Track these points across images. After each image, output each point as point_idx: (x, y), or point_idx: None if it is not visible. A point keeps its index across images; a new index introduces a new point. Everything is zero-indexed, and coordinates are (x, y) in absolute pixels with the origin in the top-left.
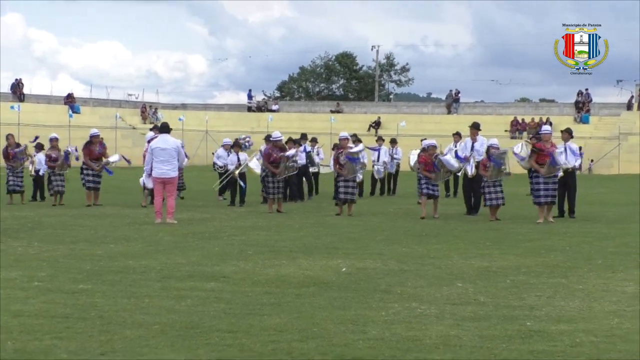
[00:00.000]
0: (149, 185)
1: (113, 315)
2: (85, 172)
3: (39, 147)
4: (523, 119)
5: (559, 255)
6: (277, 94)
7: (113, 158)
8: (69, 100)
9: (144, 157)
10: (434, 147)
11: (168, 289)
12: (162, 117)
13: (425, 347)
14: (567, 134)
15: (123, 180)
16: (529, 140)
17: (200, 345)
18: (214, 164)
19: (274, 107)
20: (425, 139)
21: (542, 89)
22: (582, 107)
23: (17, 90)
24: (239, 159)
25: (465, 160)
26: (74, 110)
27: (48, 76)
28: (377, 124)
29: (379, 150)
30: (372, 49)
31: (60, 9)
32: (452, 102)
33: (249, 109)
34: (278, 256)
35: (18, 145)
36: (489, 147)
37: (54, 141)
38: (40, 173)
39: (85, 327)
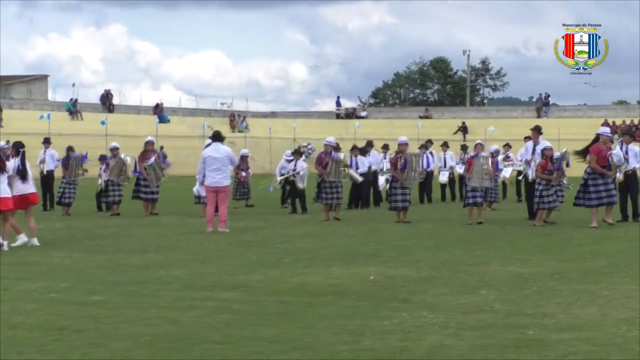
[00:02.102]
0: (202, 193)
1: (111, 327)
2: (142, 182)
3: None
4: (614, 122)
5: (603, 261)
6: (372, 101)
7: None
8: (158, 110)
9: None
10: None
11: (182, 300)
12: (250, 126)
13: (413, 357)
14: (629, 136)
15: (185, 190)
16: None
17: (182, 357)
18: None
19: (363, 114)
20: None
21: None
22: None
23: (106, 101)
24: (295, 167)
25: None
26: (163, 119)
27: (151, 87)
28: (463, 129)
29: (444, 156)
30: (463, 54)
31: (162, 20)
32: (542, 106)
33: (337, 116)
34: (313, 264)
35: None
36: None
37: (114, 150)
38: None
39: (75, 339)
